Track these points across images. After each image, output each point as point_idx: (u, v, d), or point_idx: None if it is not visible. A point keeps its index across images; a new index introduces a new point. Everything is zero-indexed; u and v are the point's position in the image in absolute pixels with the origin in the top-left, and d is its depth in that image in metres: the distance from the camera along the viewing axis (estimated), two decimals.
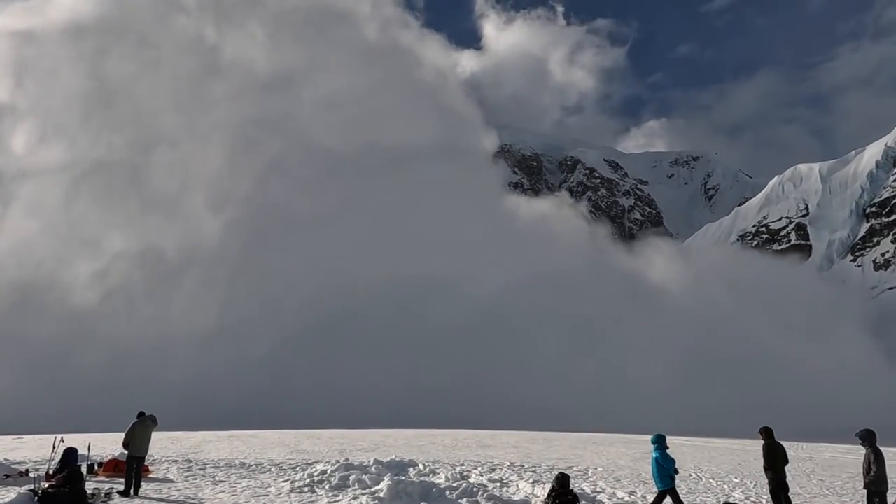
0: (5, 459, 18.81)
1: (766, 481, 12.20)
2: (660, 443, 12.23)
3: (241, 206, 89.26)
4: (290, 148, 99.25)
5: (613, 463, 22.00)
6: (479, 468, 19.09)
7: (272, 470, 18.45)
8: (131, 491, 13.81)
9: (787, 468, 12.11)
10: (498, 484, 15.92)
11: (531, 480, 16.26)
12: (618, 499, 14.52)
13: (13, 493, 12.49)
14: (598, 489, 15.64)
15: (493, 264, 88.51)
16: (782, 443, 12.28)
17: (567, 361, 72.80)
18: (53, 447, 16.48)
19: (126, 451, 14.38)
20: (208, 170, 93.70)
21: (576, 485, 15.12)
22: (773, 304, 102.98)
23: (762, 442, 12.21)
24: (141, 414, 14.88)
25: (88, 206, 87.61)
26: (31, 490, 12.39)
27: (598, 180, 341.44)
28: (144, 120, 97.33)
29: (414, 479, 14.73)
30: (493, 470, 18.81)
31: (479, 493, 13.82)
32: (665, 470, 11.98)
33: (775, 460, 11.88)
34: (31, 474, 15.81)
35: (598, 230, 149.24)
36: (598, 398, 62.06)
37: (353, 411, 49.21)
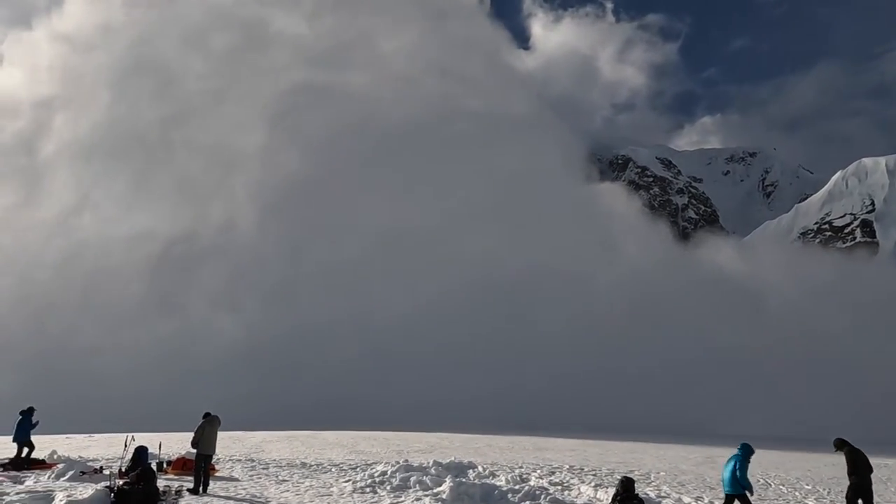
0: (80, 457, 19.62)
1: (843, 489, 11.75)
2: (745, 453, 11.91)
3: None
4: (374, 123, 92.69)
5: (676, 467, 21.48)
6: (539, 471, 18.91)
7: (332, 470, 18.71)
8: (200, 488, 14.22)
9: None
10: (559, 487, 15.73)
11: (593, 484, 16.00)
12: (684, 503, 14.17)
13: (90, 489, 12.98)
14: (662, 494, 15.29)
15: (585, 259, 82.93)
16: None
17: (652, 361, 67.21)
18: (125, 445, 17.06)
19: (194, 450, 14.84)
20: (254, 145, 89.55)
21: (639, 489, 14.80)
22: (848, 302, 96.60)
23: (835, 449, 11.86)
24: (207, 414, 15.32)
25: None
26: (107, 487, 12.86)
27: (651, 179, 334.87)
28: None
29: (475, 482, 14.68)
30: (553, 473, 18.60)
31: (542, 497, 13.67)
32: (738, 479, 11.67)
33: (859, 466, 11.47)
34: (105, 471, 16.41)
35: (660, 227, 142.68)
36: (671, 400, 58.91)
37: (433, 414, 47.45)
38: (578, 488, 15.59)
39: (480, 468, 17.90)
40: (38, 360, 59.95)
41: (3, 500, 12.05)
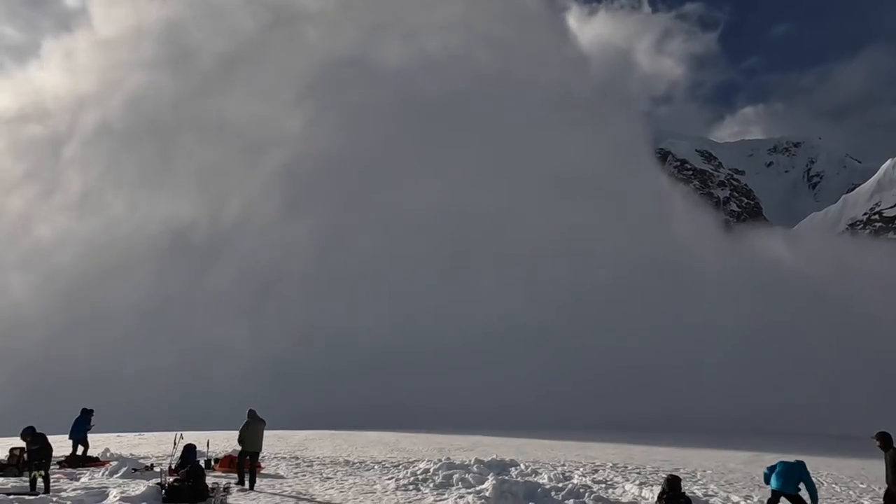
0: (131, 455, 20.21)
1: None
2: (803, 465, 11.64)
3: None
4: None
5: (723, 465, 21.04)
6: (581, 469, 18.75)
7: (375, 468, 18.87)
8: (245, 483, 14.54)
9: None
10: (603, 485, 15.55)
11: (637, 482, 15.79)
12: (733, 502, 13.88)
13: (142, 486, 13.36)
14: (710, 493, 15.01)
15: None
16: None
17: (697, 356, 61.98)
18: (174, 443, 17.50)
19: (239, 448, 15.18)
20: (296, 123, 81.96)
21: (686, 488, 14.54)
22: None
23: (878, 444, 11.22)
24: (252, 412, 15.63)
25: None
26: (157, 483, 13.24)
27: (691, 172, 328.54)
28: None
29: (517, 479, 14.63)
30: (596, 471, 18.42)
31: (586, 494, 13.57)
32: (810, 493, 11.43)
33: None
34: (155, 469, 16.87)
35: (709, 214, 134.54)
36: (718, 395, 55.95)
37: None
38: (623, 486, 15.40)
39: (522, 466, 17.82)
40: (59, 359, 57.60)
41: (60, 495, 12.47)
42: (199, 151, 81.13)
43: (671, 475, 12.39)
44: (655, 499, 12.54)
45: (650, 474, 17.92)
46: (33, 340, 59.94)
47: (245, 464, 15.01)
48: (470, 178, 76.00)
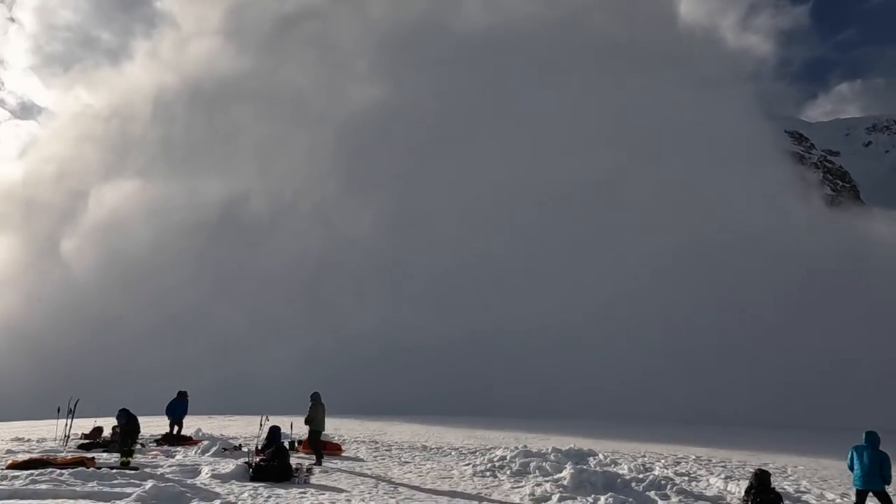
0: (221, 435, 21.20)
1: None
2: (876, 441, 10.92)
3: None
4: None
5: (816, 461, 19.99)
6: (663, 461, 18.25)
7: (452, 454, 19.03)
8: (322, 461, 15.55)
9: None
10: (685, 478, 15.09)
11: (722, 476, 15.19)
12: (827, 500, 13.17)
13: (231, 464, 13.99)
14: (801, 489, 14.29)
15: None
16: None
17: (800, 346, 55.38)
18: (260, 425, 18.23)
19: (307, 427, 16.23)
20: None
21: (776, 483, 13.90)
22: None
23: None
24: (315, 394, 16.43)
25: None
26: (245, 462, 13.83)
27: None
28: None
29: (596, 469, 14.40)
30: (678, 463, 17.89)
31: (668, 486, 13.19)
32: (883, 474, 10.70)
33: None
34: (243, 448, 17.64)
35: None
36: (815, 386, 51.02)
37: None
38: (707, 480, 14.88)
39: (601, 456, 17.53)
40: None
41: (157, 471, 13.24)
42: (260, 125, 78.76)
43: (760, 469, 11.85)
44: (742, 493, 12.04)
45: (736, 468, 17.25)
46: (92, 320, 60.32)
47: (315, 443, 16.11)
48: (558, 146, 69.72)
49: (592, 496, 11.79)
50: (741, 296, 60.51)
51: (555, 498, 11.98)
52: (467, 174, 68.10)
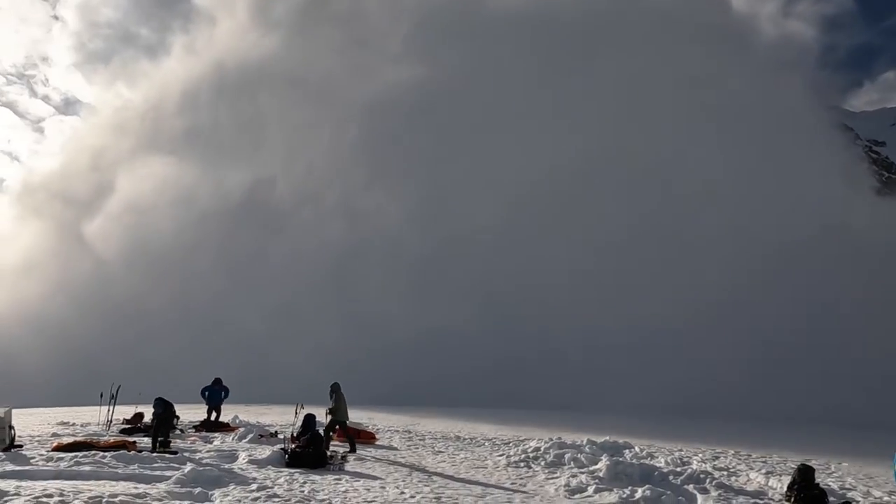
0: (258, 422, 21.51)
1: None
2: None
3: None
4: None
5: (861, 458, 19.39)
6: (701, 455, 17.92)
7: (486, 444, 18.98)
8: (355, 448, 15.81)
9: None
10: (724, 472, 14.76)
11: (763, 471, 14.83)
12: (874, 498, 12.74)
13: (268, 450, 14.15)
14: (847, 486, 13.86)
15: None
16: None
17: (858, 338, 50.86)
18: (295, 413, 18.42)
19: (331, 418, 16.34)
20: None
21: (820, 479, 13.51)
22: None
23: None
24: (336, 385, 16.58)
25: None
26: (281, 449, 13.98)
27: None
28: None
29: (633, 462, 14.17)
30: (717, 458, 17.53)
31: (707, 481, 12.92)
32: None
33: None
34: (279, 435, 17.85)
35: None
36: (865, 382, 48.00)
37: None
38: (747, 475, 14.52)
39: (637, 449, 17.26)
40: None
41: (195, 456, 13.47)
42: (288, 111, 76.86)
43: (803, 464, 11.52)
44: (784, 489, 11.73)
45: (777, 464, 16.82)
46: (117, 307, 60.19)
47: (342, 432, 16.63)
48: (605, 129, 65.24)
49: (629, 488, 11.60)
50: (818, 292, 56.13)
51: (590, 489, 11.83)
52: (504, 159, 65.34)
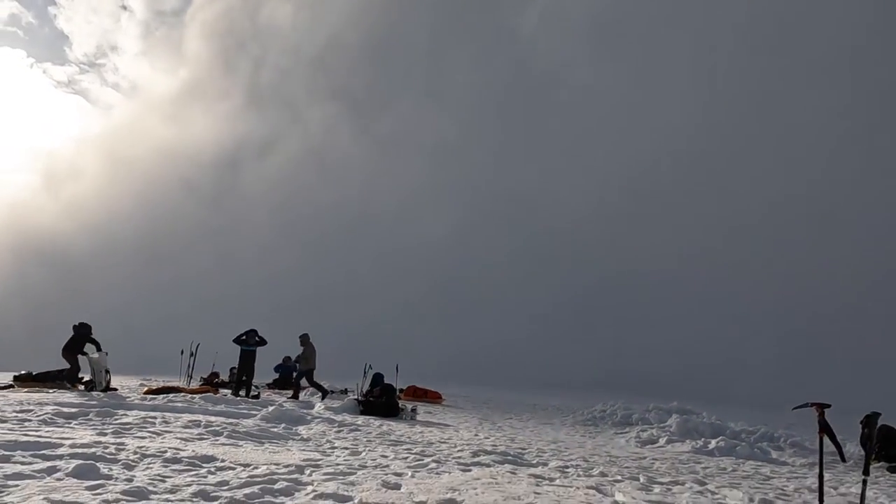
0: (328, 382, 22.25)
1: None
2: None
3: None
4: None
5: None
6: (772, 422, 17.58)
7: (550, 409, 19.14)
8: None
9: None
10: (797, 434, 14.48)
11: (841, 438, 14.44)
12: None
13: (342, 399, 14.69)
14: None
15: None
16: None
17: None
18: (364, 372, 18.99)
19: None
20: None
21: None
22: None
23: None
24: (306, 336, 16.98)
25: None
26: (355, 399, 14.50)
27: None
28: None
29: (703, 420, 14.08)
30: (790, 427, 17.17)
31: (781, 439, 12.74)
32: None
33: None
34: (349, 392, 18.46)
35: None
36: None
37: None
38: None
39: (705, 414, 17.08)
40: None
41: (273, 403, 14.10)
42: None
43: (885, 425, 11.23)
44: (858, 441, 11.47)
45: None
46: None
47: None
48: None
49: (702, 439, 11.58)
50: None
51: (662, 440, 11.86)
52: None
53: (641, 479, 7.16)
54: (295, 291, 55.85)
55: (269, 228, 65.35)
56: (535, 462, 7.90)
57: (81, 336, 13.94)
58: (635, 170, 60.60)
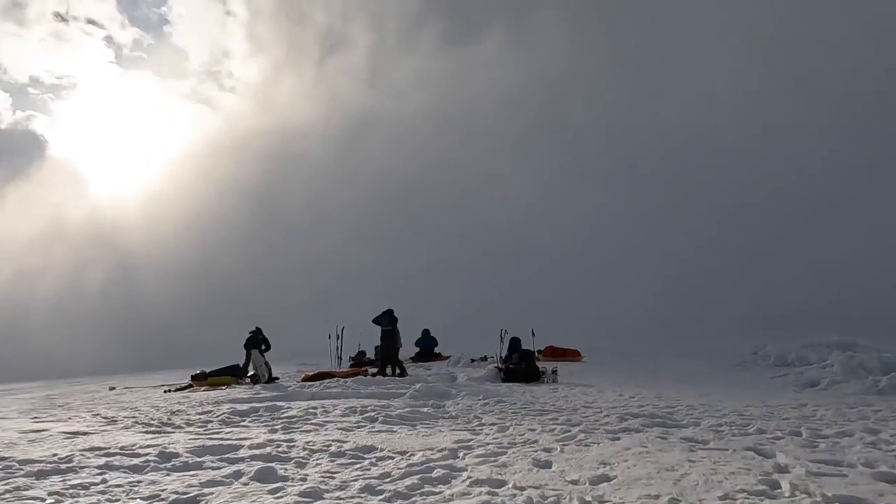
0: (463, 353, 22.88)
1: None
2: None
3: None
4: None
5: None
6: None
7: (695, 355, 18.53)
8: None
9: None
10: None
11: None
12: None
13: (483, 369, 15.08)
14: None
15: None
16: None
17: None
18: (500, 338, 19.31)
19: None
20: None
21: None
22: None
23: None
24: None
25: None
26: (496, 367, 14.84)
27: None
28: None
29: (870, 354, 13.04)
30: None
31: None
32: None
33: None
34: (487, 360, 18.90)
35: None
36: None
37: None
38: None
39: (872, 347, 15.82)
40: None
41: (419, 377, 14.76)
42: None
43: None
44: None
45: None
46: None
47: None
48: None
49: (871, 378, 10.76)
50: None
51: (824, 382, 11.16)
52: None
53: (804, 434, 6.82)
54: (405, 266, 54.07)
55: (382, 200, 63.70)
56: (685, 422, 7.74)
57: (254, 336, 15.78)
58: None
